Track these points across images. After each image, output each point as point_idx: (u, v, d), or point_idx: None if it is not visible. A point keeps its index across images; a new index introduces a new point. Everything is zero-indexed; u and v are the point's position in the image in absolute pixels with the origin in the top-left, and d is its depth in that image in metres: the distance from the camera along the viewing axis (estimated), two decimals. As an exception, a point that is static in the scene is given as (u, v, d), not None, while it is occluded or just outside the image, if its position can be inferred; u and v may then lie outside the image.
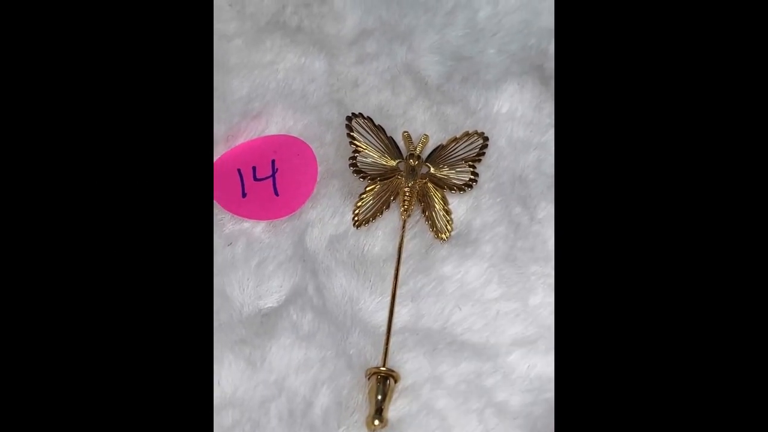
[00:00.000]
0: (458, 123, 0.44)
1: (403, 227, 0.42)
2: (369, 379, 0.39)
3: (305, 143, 0.43)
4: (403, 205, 0.42)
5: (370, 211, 0.42)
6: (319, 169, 0.43)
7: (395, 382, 0.38)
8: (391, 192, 0.43)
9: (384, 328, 0.40)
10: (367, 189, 0.43)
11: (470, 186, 0.42)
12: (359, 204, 0.42)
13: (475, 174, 0.42)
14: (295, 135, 0.44)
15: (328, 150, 0.44)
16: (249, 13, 0.46)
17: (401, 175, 0.43)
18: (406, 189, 0.42)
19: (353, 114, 0.43)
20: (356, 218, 0.42)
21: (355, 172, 0.43)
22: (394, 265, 0.41)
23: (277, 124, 0.44)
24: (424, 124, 0.44)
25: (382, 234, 0.42)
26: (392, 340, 0.39)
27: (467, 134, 0.43)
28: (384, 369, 0.38)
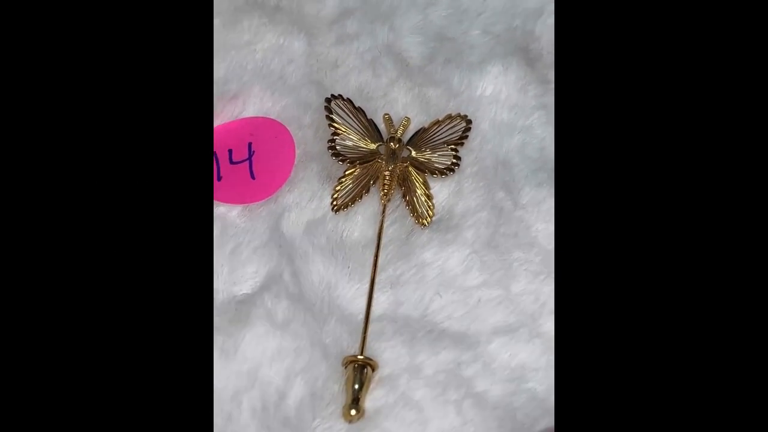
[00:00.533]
0: (441, 105, 0.43)
1: (383, 212, 0.41)
2: (346, 367, 0.37)
3: (283, 125, 0.42)
4: (383, 190, 0.41)
5: (349, 196, 0.41)
6: (297, 152, 0.42)
7: (373, 371, 0.37)
8: (371, 176, 0.41)
9: (362, 316, 0.39)
10: (347, 173, 0.41)
11: (452, 170, 0.41)
12: (338, 188, 0.41)
13: (458, 158, 0.41)
14: (272, 117, 0.43)
15: (307, 132, 0.43)
16: (226, -9, 0.45)
17: (381, 159, 0.42)
18: (386, 173, 0.41)
19: (332, 95, 0.42)
20: (335, 203, 0.41)
21: (333, 155, 0.41)
22: (373, 251, 0.40)
23: (255, 105, 0.43)
24: (405, 107, 0.43)
25: (361, 219, 0.41)
26: (370, 328, 0.38)
27: (450, 117, 0.42)
28: (361, 357, 0.37)
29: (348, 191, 0.41)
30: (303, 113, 0.43)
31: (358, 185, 0.41)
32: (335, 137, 0.42)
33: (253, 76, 0.43)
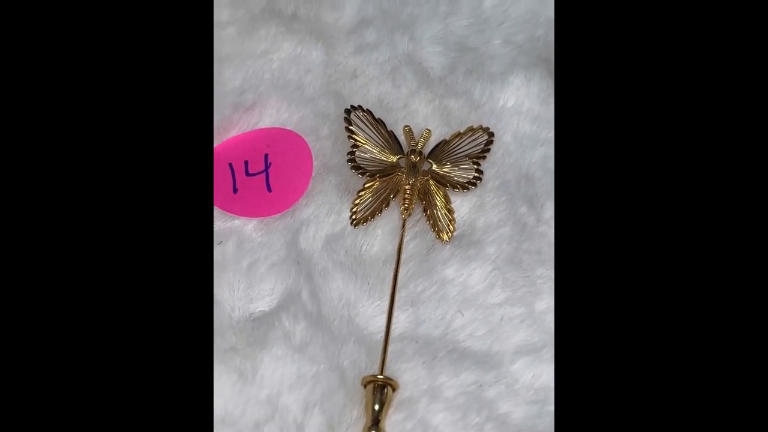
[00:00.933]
0: (462, 117, 0.42)
1: (403, 227, 0.40)
2: (365, 387, 0.36)
3: (300, 137, 0.41)
4: (404, 204, 0.40)
5: (368, 210, 0.40)
6: (315, 164, 0.41)
7: (393, 390, 0.36)
8: (391, 189, 0.40)
9: (381, 336, 0.38)
10: (366, 186, 0.40)
11: (474, 184, 0.40)
12: (357, 201, 0.40)
13: (480, 171, 0.40)
14: (289, 128, 0.42)
15: (325, 144, 0.42)
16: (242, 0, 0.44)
17: (402, 172, 0.41)
18: (407, 186, 0.40)
19: (352, 106, 0.41)
20: (354, 216, 0.40)
21: (353, 168, 0.40)
22: (393, 267, 0.39)
23: (271, 116, 0.42)
24: (425, 118, 0.42)
25: (381, 233, 0.40)
26: (390, 347, 0.37)
27: (471, 129, 0.41)
28: (381, 377, 0.36)
29: (367, 205, 0.40)
30: (321, 124, 0.42)
31: (378, 199, 0.40)
32: (354, 149, 0.41)
33: (270, 86, 0.43)
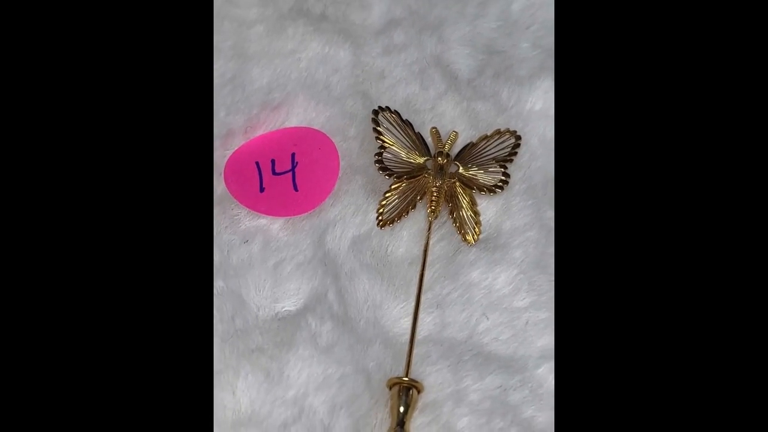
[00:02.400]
0: (489, 120, 0.41)
1: (429, 229, 0.39)
2: (390, 389, 0.36)
3: (327, 137, 0.41)
4: (431, 206, 0.39)
5: (395, 211, 0.39)
6: (342, 164, 0.40)
7: (418, 392, 0.36)
8: (418, 191, 0.40)
9: (407, 338, 0.37)
10: (393, 187, 0.40)
11: (501, 188, 0.39)
12: (383, 203, 0.40)
13: (506, 175, 0.40)
14: (316, 128, 0.41)
15: (352, 144, 0.41)
16: (271, -2, 0.43)
17: (429, 174, 0.40)
18: (433, 189, 0.40)
19: (380, 107, 0.41)
20: (380, 218, 0.39)
21: (380, 169, 0.40)
22: (419, 269, 0.38)
23: (299, 115, 0.42)
24: (453, 120, 0.42)
25: (407, 235, 0.40)
26: (415, 350, 0.37)
27: (499, 132, 0.40)
28: (407, 379, 0.36)
29: (394, 206, 0.40)
30: (348, 124, 0.41)
31: (405, 200, 0.40)
32: (382, 150, 0.40)
33: (298, 85, 0.42)
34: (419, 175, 0.40)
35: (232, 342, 0.37)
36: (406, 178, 0.40)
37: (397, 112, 0.41)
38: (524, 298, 0.38)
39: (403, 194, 0.40)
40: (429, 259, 0.38)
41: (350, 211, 0.40)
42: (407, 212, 0.39)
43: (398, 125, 0.40)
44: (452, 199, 0.40)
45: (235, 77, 0.42)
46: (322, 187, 0.40)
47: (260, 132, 0.41)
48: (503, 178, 0.40)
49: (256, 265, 0.39)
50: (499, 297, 0.38)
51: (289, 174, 0.40)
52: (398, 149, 0.40)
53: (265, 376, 0.36)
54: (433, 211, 0.39)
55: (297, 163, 0.40)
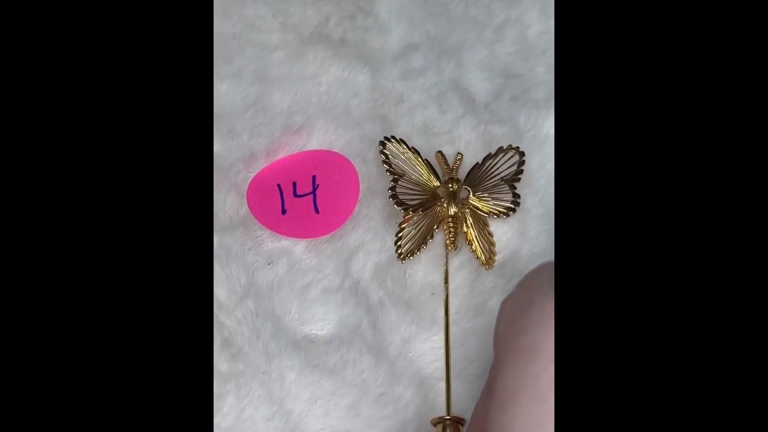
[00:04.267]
0: (506, 143, 0.41)
1: (447, 260, 0.39)
2: (435, 426, 0.36)
3: (347, 159, 0.40)
4: (449, 237, 0.39)
5: (413, 242, 0.39)
6: (361, 186, 0.40)
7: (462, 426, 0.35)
8: (433, 219, 0.39)
9: (431, 370, 0.37)
10: (406, 218, 0.39)
11: (513, 210, 0.39)
12: (400, 235, 0.39)
13: (516, 195, 0.39)
14: (336, 151, 0.41)
15: (371, 167, 0.41)
16: (292, 24, 0.43)
17: (442, 202, 0.40)
18: (449, 219, 0.39)
19: (386, 138, 0.40)
20: (400, 251, 0.39)
21: (396, 204, 0.39)
22: (441, 299, 0.38)
23: (319, 138, 0.42)
24: (469, 144, 0.41)
25: (424, 259, 0.39)
26: (441, 387, 0.36)
27: (502, 150, 0.40)
28: (448, 418, 0.35)
29: (411, 237, 0.39)
30: (367, 148, 0.41)
31: (421, 230, 0.39)
32: (394, 184, 0.40)
33: (318, 108, 0.42)
34: (433, 205, 0.40)
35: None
36: (421, 210, 0.39)
37: (403, 141, 0.40)
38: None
39: (418, 225, 0.39)
40: (451, 287, 0.38)
41: (369, 235, 0.40)
42: (425, 243, 0.39)
43: (406, 154, 0.40)
44: (467, 227, 0.39)
45: (257, 101, 0.42)
46: (343, 209, 0.40)
47: (282, 155, 0.41)
48: (514, 199, 0.39)
49: (284, 287, 0.39)
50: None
51: (310, 196, 0.40)
52: (409, 179, 0.40)
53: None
54: (452, 243, 0.39)
55: (318, 185, 0.40)
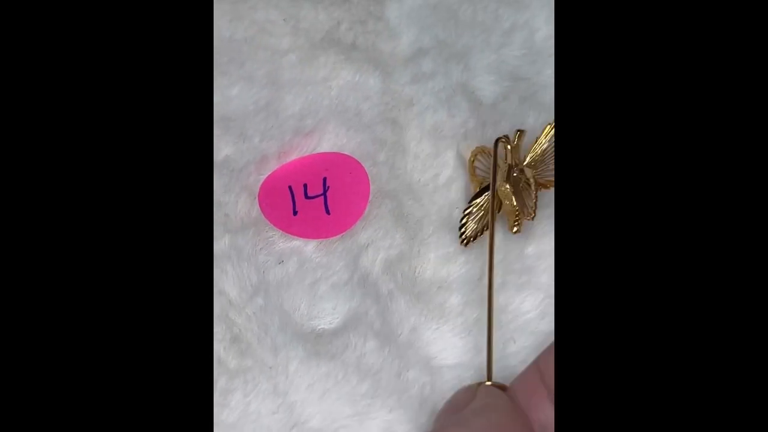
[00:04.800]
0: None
1: (518, 224, 0.38)
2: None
3: (358, 162, 0.41)
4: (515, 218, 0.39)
5: (477, 228, 0.39)
6: (372, 188, 0.40)
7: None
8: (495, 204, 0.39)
9: (439, 360, 0.37)
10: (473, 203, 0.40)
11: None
12: (464, 221, 0.39)
13: None
14: (347, 153, 0.41)
15: (382, 169, 0.41)
16: (303, 28, 0.43)
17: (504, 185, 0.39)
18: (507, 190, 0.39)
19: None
20: (464, 236, 0.39)
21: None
22: (446, 290, 0.38)
23: (330, 141, 0.42)
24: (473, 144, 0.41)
25: (433, 257, 0.40)
26: (448, 375, 0.37)
27: (551, 125, 0.40)
28: (490, 383, 0.35)
29: (475, 220, 0.39)
30: (378, 150, 0.41)
31: (483, 211, 0.39)
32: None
33: (329, 112, 0.42)
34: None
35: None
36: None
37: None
38: (551, 323, 0.37)
39: (480, 207, 0.40)
40: (456, 284, 0.39)
41: (379, 234, 0.40)
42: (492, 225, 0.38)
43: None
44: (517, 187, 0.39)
45: (268, 104, 0.42)
46: (353, 210, 0.40)
47: (293, 157, 0.42)
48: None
49: (293, 284, 0.39)
50: (526, 321, 0.38)
51: (321, 198, 0.40)
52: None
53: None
54: (518, 223, 0.38)
55: (329, 187, 0.40)
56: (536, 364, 0.33)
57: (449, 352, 0.38)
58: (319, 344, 0.38)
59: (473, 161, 0.40)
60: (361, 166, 0.40)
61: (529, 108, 0.42)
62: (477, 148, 0.41)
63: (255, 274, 0.39)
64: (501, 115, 0.42)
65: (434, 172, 0.41)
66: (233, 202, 0.41)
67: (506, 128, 0.41)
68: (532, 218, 0.38)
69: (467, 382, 0.37)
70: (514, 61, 0.43)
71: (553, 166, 0.39)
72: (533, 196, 0.38)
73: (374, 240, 0.40)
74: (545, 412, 0.32)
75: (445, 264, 0.39)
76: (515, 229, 0.38)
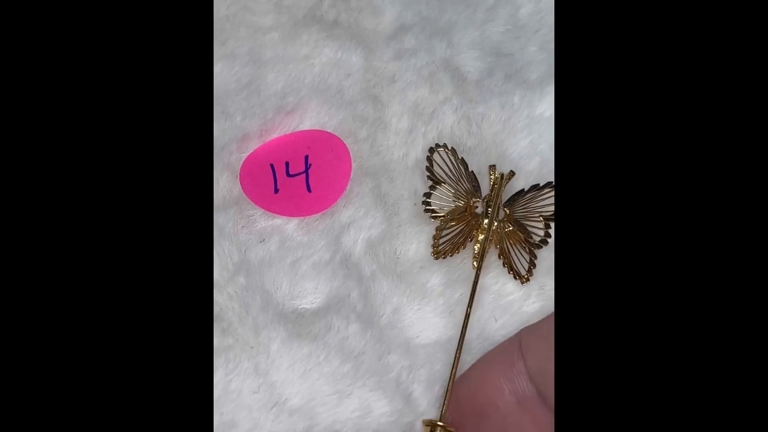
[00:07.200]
0: (498, 123, 0.39)
1: (479, 270, 0.36)
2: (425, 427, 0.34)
3: (339, 139, 0.39)
4: (477, 253, 0.37)
5: (450, 245, 0.37)
6: (353, 165, 0.39)
7: None
8: (470, 229, 0.37)
9: (419, 339, 0.36)
10: (442, 223, 0.37)
11: (545, 242, 0.37)
12: (438, 234, 0.37)
13: (548, 234, 0.37)
14: (329, 131, 0.39)
15: (363, 146, 0.39)
16: (286, 5, 0.41)
17: (479, 217, 0.37)
18: (483, 231, 0.37)
19: (437, 145, 0.38)
20: (437, 249, 0.37)
21: (426, 210, 0.38)
22: (433, 276, 0.37)
23: (312, 119, 0.40)
24: (458, 123, 0.39)
25: (415, 236, 0.38)
26: (424, 352, 0.35)
27: (550, 185, 0.37)
28: (441, 424, 0.34)
29: (448, 240, 0.37)
30: (359, 127, 0.40)
31: (457, 236, 0.37)
32: (431, 192, 0.38)
33: (311, 89, 0.40)
34: (467, 216, 0.37)
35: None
36: (455, 219, 0.37)
37: (454, 150, 0.38)
38: (533, 303, 0.36)
39: (454, 230, 0.37)
40: (438, 264, 0.37)
41: (361, 213, 0.38)
42: (458, 250, 0.37)
43: (452, 163, 0.38)
44: (501, 241, 0.37)
45: (250, 82, 0.40)
46: (335, 188, 0.38)
47: (275, 135, 0.40)
48: (544, 238, 0.37)
49: (274, 263, 0.38)
50: (509, 301, 0.36)
51: (303, 176, 0.39)
52: (448, 189, 0.38)
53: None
54: (479, 257, 0.37)
55: (310, 165, 0.39)
56: (517, 336, 0.33)
57: (430, 331, 0.36)
58: (300, 325, 0.37)
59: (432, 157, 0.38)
60: (343, 144, 0.39)
61: (515, 86, 0.39)
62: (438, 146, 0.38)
63: (236, 252, 0.38)
64: (484, 92, 0.40)
65: (414, 147, 0.39)
66: (215, 181, 0.39)
67: (489, 106, 0.39)
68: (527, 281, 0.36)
69: (442, 358, 0.35)
70: (498, 36, 0.41)
71: (530, 218, 0.37)
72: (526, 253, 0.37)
73: (356, 219, 0.38)
74: (521, 383, 0.32)
75: (427, 243, 0.38)
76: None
